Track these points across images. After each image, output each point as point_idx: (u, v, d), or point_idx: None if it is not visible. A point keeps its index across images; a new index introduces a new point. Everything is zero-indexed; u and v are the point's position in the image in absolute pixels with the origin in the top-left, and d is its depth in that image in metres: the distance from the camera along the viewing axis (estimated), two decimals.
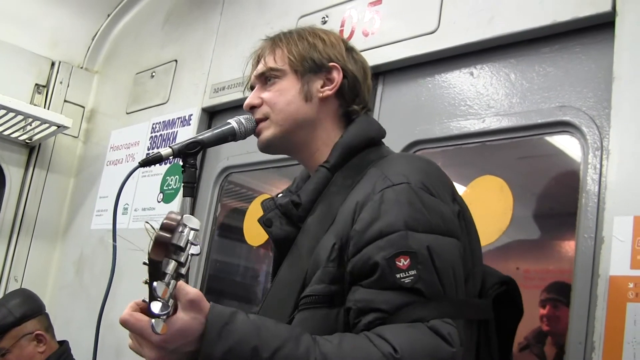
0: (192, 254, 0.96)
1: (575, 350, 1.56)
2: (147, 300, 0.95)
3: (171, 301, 0.95)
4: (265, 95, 1.42)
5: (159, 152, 1.37)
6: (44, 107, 3.66)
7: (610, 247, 1.51)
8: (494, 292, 1.34)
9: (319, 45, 1.42)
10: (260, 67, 1.45)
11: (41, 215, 3.67)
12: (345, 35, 2.32)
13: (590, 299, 1.55)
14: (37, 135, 3.55)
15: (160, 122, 3.23)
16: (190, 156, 1.41)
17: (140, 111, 3.42)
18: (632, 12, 1.63)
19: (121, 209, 3.19)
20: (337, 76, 1.41)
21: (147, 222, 0.98)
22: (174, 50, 3.33)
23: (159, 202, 3.03)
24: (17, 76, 3.65)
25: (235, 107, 2.80)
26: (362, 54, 1.53)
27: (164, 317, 0.95)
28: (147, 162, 1.38)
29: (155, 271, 0.91)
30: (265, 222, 1.37)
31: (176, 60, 3.28)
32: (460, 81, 2.06)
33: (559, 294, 1.89)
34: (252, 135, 1.46)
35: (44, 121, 3.40)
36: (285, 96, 1.40)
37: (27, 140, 3.64)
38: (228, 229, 2.98)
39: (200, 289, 2.76)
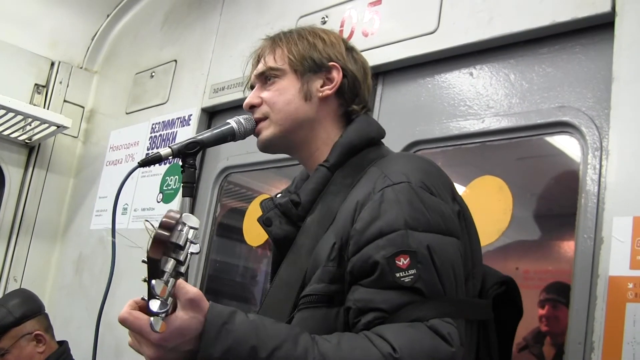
0: (192, 253, 0.96)
1: (575, 351, 1.56)
2: (146, 298, 0.95)
3: (170, 299, 0.95)
4: (265, 94, 1.42)
5: (158, 152, 1.37)
6: (44, 107, 3.66)
7: (610, 247, 1.51)
8: (493, 292, 1.34)
9: (319, 45, 1.42)
10: (260, 67, 1.45)
11: (40, 215, 3.67)
12: (345, 35, 2.32)
13: (590, 299, 1.55)
14: (37, 135, 3.55)
15: (159, 122, 3.23)
16: (190, 156, 1.41)
17: (140, 111, 3.42)
18: (631, 13, 1.63)
19: (120, 209, 3.19)
20: (336, 76, 1.41)
21: (146, 221, 0.97)
22: (174, 51, 3.33)
23: (158, 202, 3.03)
24: (16, 76, 3.65)
25: (234, 107, 2.80)
26: (362, 54, 1.53)
27: (162, 315, 0.95)
28: (147, 162, 1.38)
29: (154, 269, 0.91)
30: (264, 222, 1.37)
31: (176, 61, 3.28)
32: (459, 81, 2.06)
33: (558, 294, 1.89)
34: (252, 136, 1.46)
35: (43, 121, 3.40)
36: (284, 96, 1.40)
37: (26, 140, 3.64)
38: (228, 229, 2.97)
39: (200, 289, 2.77)
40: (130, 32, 3.80)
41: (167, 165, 3.02)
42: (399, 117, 2.17)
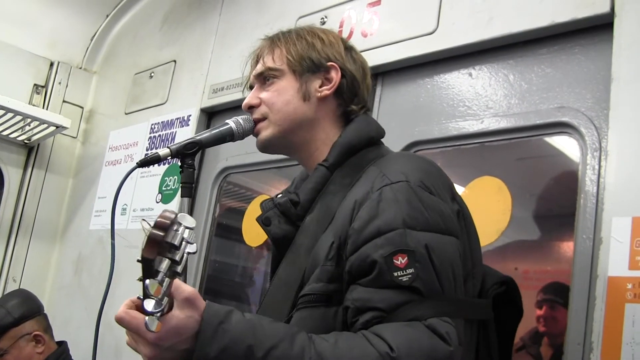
0: (189, 253, 0.96)
1: (574, 351, 1.56)
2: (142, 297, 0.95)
3: (165, 299, 0.95)
4: (264, 95, 1.42)
5: (157, 153, 1.37)
6: (43, 108, 3.66)
7: (609, 247, 1.51)
8: (493, 292, 1.33)
9: (318, 45, 1.42)
10: (259, 67, 1.45)
11: (40, 216, 3.67)
12: (344, 35, 2.32)
13: (589, 299, 1.55)
14: (36, 135, 3.55)
15: (159, 123, 3.23)
16: (189, 156, 1.41)
17: (139, 112, 3.42)
18: (630, 13, 1.63)
19: (119, 210, 3.19)
20: (335, 76, 1.41)
21: (143, 220, 0.97)
22: (173, 51, 3.33)
23: (157, 202, 3.03)
24: (15, 76, 3.65)
25: (234, 108, 2.80)
26: (361, 54, 1.53)
27: (157, 314, 0.95)
28: (146, 163, 1.38)
29: (148, 269, 0.91)
30: (263, 221, 1.37)
31: (175, 61, 3.28)
32: (459, 82, 2.06)
33: (556, 294, 1.90)
34: (251, 136, 1.46)
35: (42, 121, 3.40)
36: (283, 96, 1.40)
37: (25, 141, 3.64)
38: (227, 229, 2.97)
39: (199, 289, 2.77)
40: (130, 32, 3.80)
41: (166, 165, 3.02)
42: (398, 117, 2.17)
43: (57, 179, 3.76)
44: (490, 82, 1.97)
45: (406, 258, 1.10)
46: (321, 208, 1.31)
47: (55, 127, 3.45)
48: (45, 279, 3.64)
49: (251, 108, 1.44)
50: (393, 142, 1.66)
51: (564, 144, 1.84)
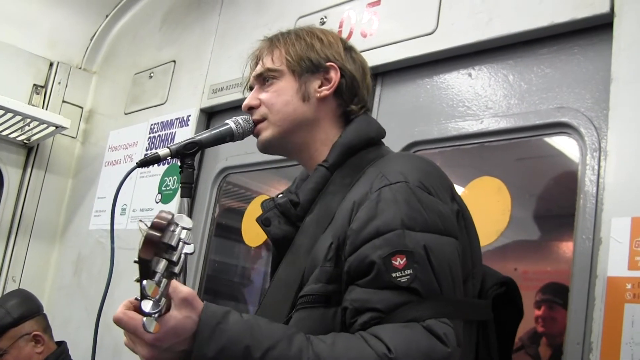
0: (186, 253, 0.96)
1: (573, 351, 1.56)
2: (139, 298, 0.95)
3: (163, 300, 0.95)
4: (263, 96, 1.42)
5: (156, 153, 1.37)
6: (42, 108, 3.66)
7: (608, 248, 1.51)
8: (493, 292, 1.33)
9: (317, 45, 1.41)
10: (258, 68, 1.45)
11: (39, 216, 3.67)
12: (344, 36, 2.32)
13: (588, 300, 1.55)
14: (35, 135, 3.55)
15: (158, 123, 3.23)
16: (188, 157, 1.41)
17: (139, 112, 3.42)
18: (630, 14, 1.63)
19: (119, 210, 3.19)
20: (334, 76, 1.41)
21: (140, 221, 0.97)
22: (173, 51, 3.33)
23: (157, 202, 3.03)
24: (15, 76, 3.65)
25: (233, 108, 2.80)
26: (361, 54, 1.53)
27: (155, 315, 0.94)
28: (145, 163, 1.38)
29: (145, 270, 0.91)
30: (263, 222, 1.37)
31: (174, 61, 3.28)
32: (458, 82, 2.06)
33: (554, 295, 1.90)
34: (251, 136, 1.46)
35: (42, 122, 3.40)
36: (282, 97, 1.40)
37: (25, 141, 3.63)
38: (226, 229, 2.97)
39: (199, 289, 2.77)
40: (129, 32, 3.80)
41: (166, 165, 3.02)
42: (398, 117, 2.17)
43: (56, 179, 3.76)
44: (490, 83, 1.97)
45: (405, 259, 1.10)
46: (321, 208, 1.31)
47: (54, 127, 3.45)
48: (45, 279, 3.64)
49: (251, 109, 1.44)
50: (393, 142, 1.66)
51: (563, 144, 1.84)
